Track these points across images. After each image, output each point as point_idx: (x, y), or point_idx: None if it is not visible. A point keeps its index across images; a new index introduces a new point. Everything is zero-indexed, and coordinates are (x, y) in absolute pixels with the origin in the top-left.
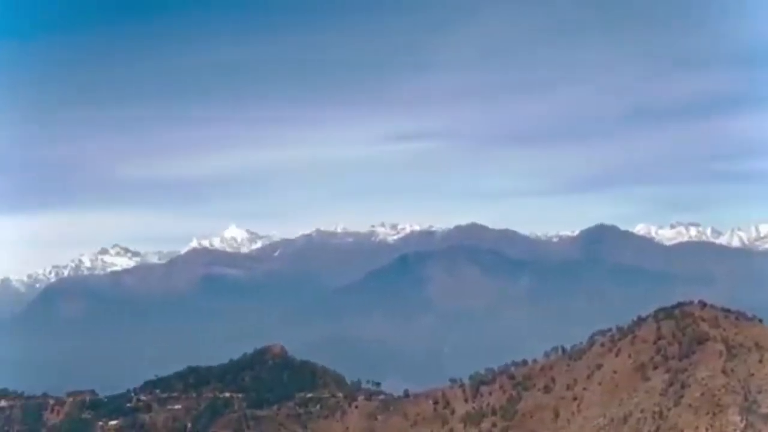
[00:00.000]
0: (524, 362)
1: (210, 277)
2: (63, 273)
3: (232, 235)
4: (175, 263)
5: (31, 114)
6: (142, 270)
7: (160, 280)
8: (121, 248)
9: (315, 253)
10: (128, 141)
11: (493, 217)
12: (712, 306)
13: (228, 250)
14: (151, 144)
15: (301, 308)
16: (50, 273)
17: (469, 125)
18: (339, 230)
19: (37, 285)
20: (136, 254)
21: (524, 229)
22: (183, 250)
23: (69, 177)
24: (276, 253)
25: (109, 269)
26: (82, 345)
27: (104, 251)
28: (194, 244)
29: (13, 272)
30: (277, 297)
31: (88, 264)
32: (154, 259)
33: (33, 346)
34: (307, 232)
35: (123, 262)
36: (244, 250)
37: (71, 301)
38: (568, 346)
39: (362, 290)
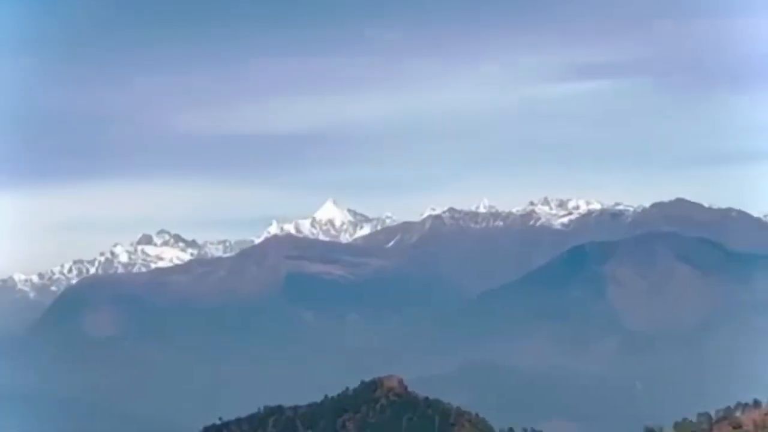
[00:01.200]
0: (756, 403)
1: (296, 276)
2: (88, 270)
3: (329, 216)
4: (247, 257)
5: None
6: (199, 266)
7: (224, 281)
8: (170, 235)
9: (447, 243)
10: (183, 83)
11: (710, 192)
12: None
13: (322, 238)
14: (215, 88)
15: (428, 323)
16: (70, 271)
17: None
18: (482, 209)
19: (53, 288)
20: (190, 244)
21: (755, 209)
22: (258, 239)
23: (96, 134)
24: (391, 243)
25: (152, 265)
26: (114, 373)
27: (146, 240)
28: (274, 229)
29: (19, 270)
30: (393, 307)
31: (123, 258)
32: (216, 252)
33: (49, 373)
34: (437, 212)
35: (172, 255)
36: (345, 238)
37: (99, 311)
38: None
39: (515, 297)
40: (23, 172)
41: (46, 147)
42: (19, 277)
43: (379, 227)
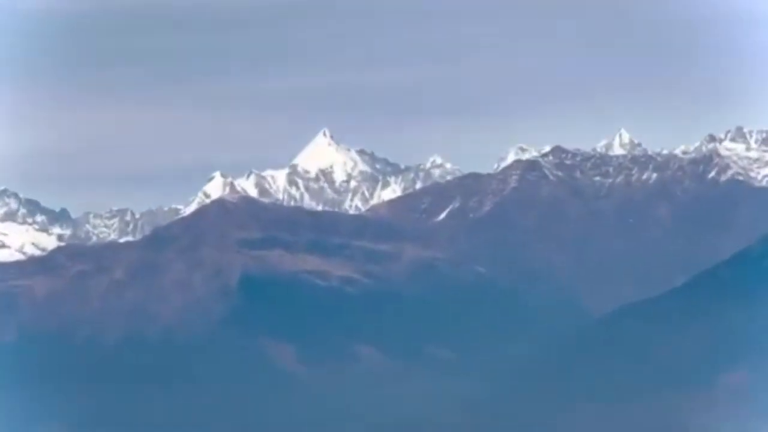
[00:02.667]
0: None
1: (258, 280)
2: None
3: (321, 163)
4: (164, 244)
5: None
6: (72, 262)
7: (122, 288)
8: (19, 200)
9: (552, 215)
10: None
11: None
12: None
13: (309, 204)
14: None
15: (518, 369)
16: None
17: None
18: (616, 148)
19: None
20: (57, 217)
21: None
22: (186, 207)
23: None
24: (441, 216)
25: None
26: None
27: None
28: (216, 188)
29: None
30: (444, 339)
31: None
32: (104, 233)
33: None
34: (527, 154)
35: (22, 240)
36: (355, 205)
37: None
38: None
39: (682, 317)
40: None
41: None
42: None
43: (418, 185)
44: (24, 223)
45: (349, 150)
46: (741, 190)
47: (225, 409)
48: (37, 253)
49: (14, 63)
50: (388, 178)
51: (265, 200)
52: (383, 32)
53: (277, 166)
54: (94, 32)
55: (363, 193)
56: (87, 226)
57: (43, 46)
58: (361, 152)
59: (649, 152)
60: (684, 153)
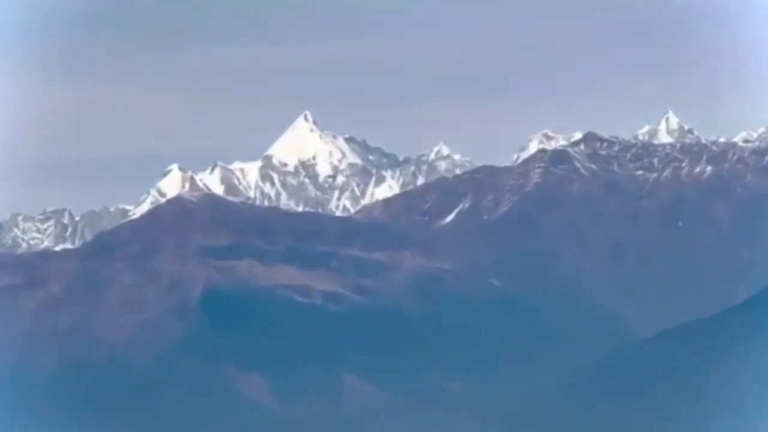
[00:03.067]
0: None
1: (224, 297)
2: None
3: (302, 154)
4: (108, 253)
5: None
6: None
7: (57, 306)
8: None
9: (583, 215)
10: None
11: None
12: None
13: (286, 203)
14: None
15: (543, 399)
16: None
17: None
18: (663, 136)
19: None
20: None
21: None
22: (136, 208)
23: None
24: (450, 217)
25: None
26: None
27: None
28: (173, 183)
29: None
30: (451, 365)
31: None
32: (40, 240)
33: None
34: (554, 143)
35: None
36: (342, 204)
37: None
38: None
39: (745, 338)
40: None
41: None
42: None
43: (419, 180)
44: None
45: (335, 138)
46: None
47: None
48: None
49: None
50: (383, 172)
51: (234, 199)
52: (380, 3)
53: (248, 158)
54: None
55: (353, 191)
56: (15, 230)
57: None
58: (350, 140)
59: (703, 140)
60: (745, 141)
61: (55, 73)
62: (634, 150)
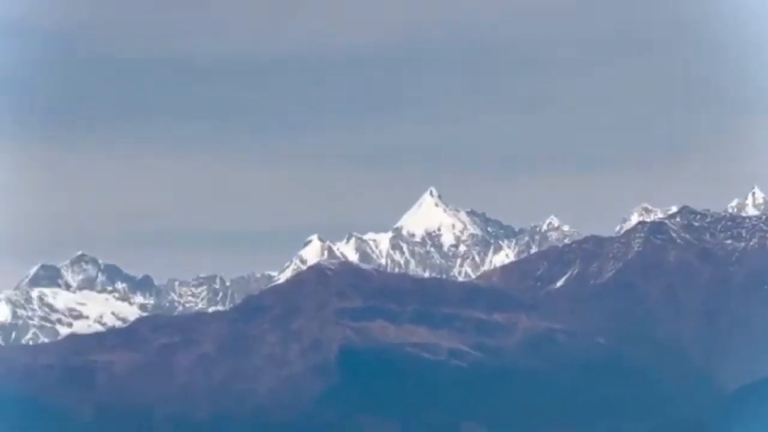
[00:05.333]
0: None
1: (359, 354)
2: None
3: (427, 225)
4: (256, 313)
5: None
6: (157, 333)
7: (215, 364)
8: (99, 267)
9: (681, 282)
10: None
11: None
12: None
13: (415, 270)
14: None
15: None
16: None
17: None
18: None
19: None
20: (143, 285)
21: None
22: (281, 274)
23: None
24: (559, 282)
25: (61, 328)
26: None
27: (49, 276)
28: (313, 252)
29: None
30: (568, 417)
31: None
32: (192, 302)
33: None
34: (652, 215)
35: (104, 309)
36: (464, 270)
37: None
38: None
39: None
40: None
41: None
42: None
43: (533, 249)
44: (103, 291)
45: (458, 211)
46: None
47: None
48: (118, 324)
49: (95, 121)
50: (501, 242)
51: (367, 266)
52: (495, 83)
53: (380, 229)
54: (181, 86)
55: (473, 259)
56: (172, 294)
57: (123, 102)
58: (471, 213)
59: None
60: None
61: (206, 156)
62: (724, 222)
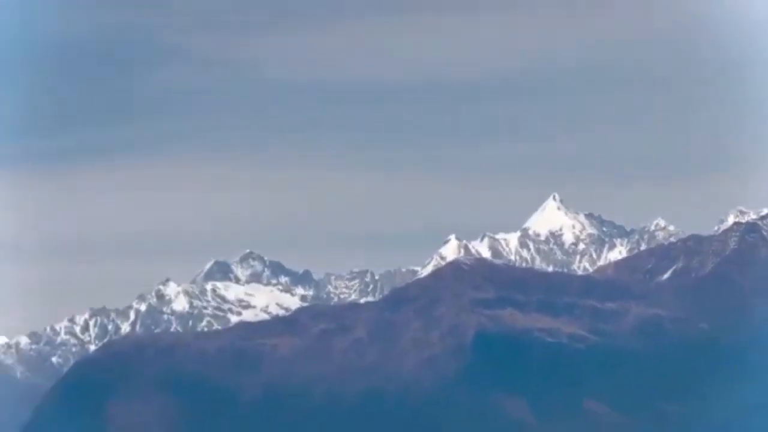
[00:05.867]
0: None
1: (492, 337)
2: (117, 329)
3: (551, 226)
4: (402, 303)
5: None
6: (314, 320)
7: (365, 345)
8: (264, 263)
9: None
10: None
11: None
12: None
13: (540, 265)
14: None
15: None
16: (85, 328)
17: None
18: None
19: (55, 358)
20: (300, 279)
21: None
22: (423, 269)
23: None
24: (666, 275)
25: (232, 317)
26: None
27: (221, 270)
28: (451, 250)
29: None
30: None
31: (179, 304)
32: (345, 293)
33: None
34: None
35: (268, 300)
36: (582, 265)
37: (135, 400)
38: None
39: None
40: None
41: None
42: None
43: (642, 246)
44: (269, 284)
45: (577, 214)
46: None
47: None
48: (282, 312)
49: (258, 134)
50: (614, 240)
51: (498, 262)
52: (605, 100)
53: (510, 230)
54: (333, 102)
55: (590, 255)
56: (329, 287)
57: (284, 119)
58: (588, 216)
59: None
60: None
61: (356, 168)
62: None
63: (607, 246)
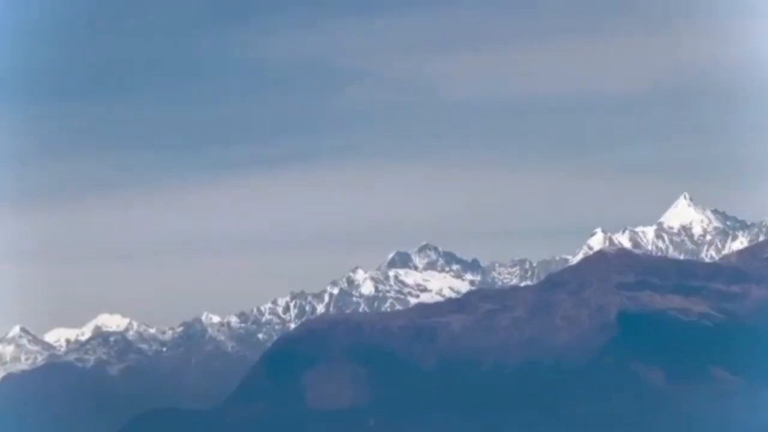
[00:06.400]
0: None
1: (632, 316)
2: (313, 309)
3: (682, 221)
4: (556, 286)
5: None
6: (482, 301)
7: (523, 324)
8: (438, 253)
9: None
10: None
11: None
12: None
13: (673, 254)
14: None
15: None
16: (286, 310)
17: None
18: None
19: (260, 335)
20: (469, 266)
21: None
22: (573, 257)
23: None
24: None
25: (411, 299)
26: None
27: (402, 260)
28: (598, 242)
29: (210, 308)
30: None
31: (366, 289)
32: (508, 278)
33: None
34: None
35: (441, 285)
36: (710, 254)
37: (330, 371)
38: None
39: None
40: None
41: None
42: (210, 319)
43: (761, 237)
44: (443, 271)
45: (704, 210)
46: None
47: (601, 425)
48: (453, 295)
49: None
50: (737, 233)
51: (638, 251)
52: (731, 110)
53: (647, 224)
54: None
55: (716, 245)
56: (493, 273)
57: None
58: (714, 211)
59: None
60: None
61: (514, 170)
62: None
63: (730, 237)
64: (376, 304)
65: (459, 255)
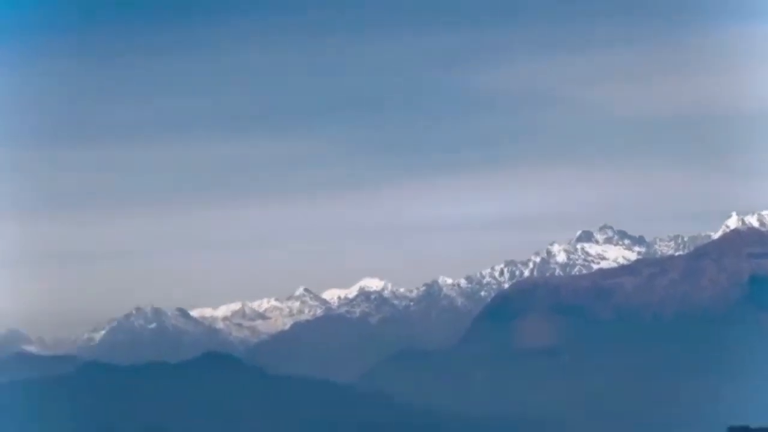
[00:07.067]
0: None
1: (761, 278)
2: (521, 273)
3: None
4: (702, 256)
5: None
6: (647, 267)
7: (677, 284)
8: (614, 232)
9: None
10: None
11: None
12: None
13: None
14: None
15: None
16: (501, 274)
17: None
18: None
19: (482, 293)
20: (637, 241)
21: None
22: (715, 234)
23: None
24: None
25: (593, 266)
26: (549, 390)
27: (586, 237)
28: (733, 222)
29: (446, 272)
30: None
31: (560, 258)
32: (666, 249)
33: (477, 391)
34: None
35: (616, 255)
36: None
37: (533, 319)
38: None
39: None
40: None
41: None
42: (445, 281)
43: None
44: (617, 245)
45: None
46: None
47: (735, 362)
48: (625, 263)
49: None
50: None
51: (764, 229)
52: None
53: None
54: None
55: None
56: (655, 246)
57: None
58: None
59: None
60: None
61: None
62: None
63: None
64: (567, 269)
65: (629, 232)
